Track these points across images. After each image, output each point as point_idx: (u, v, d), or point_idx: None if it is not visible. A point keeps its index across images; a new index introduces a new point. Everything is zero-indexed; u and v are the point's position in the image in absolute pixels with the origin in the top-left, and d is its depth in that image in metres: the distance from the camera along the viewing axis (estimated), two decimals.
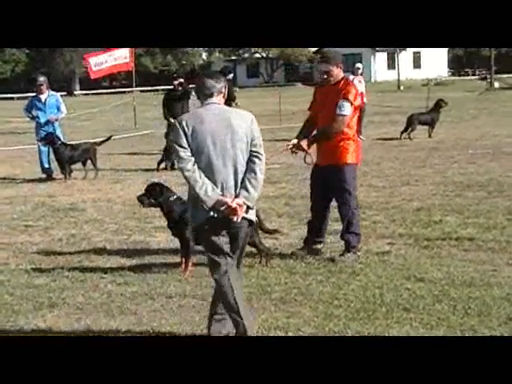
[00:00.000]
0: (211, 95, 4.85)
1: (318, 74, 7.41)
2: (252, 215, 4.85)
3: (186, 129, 4.74)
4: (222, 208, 4.68)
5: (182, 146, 4.74)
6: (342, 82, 7.09)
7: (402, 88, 47.15)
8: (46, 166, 13.38)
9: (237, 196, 4.72)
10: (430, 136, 18.08)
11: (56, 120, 13.44)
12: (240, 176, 4.76)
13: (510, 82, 43.64)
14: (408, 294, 5.93)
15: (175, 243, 7.26)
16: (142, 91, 48.63)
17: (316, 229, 7.34)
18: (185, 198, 7.15)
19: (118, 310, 5.82)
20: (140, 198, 7.00)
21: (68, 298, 6.13)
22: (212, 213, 4.70)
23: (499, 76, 49.11)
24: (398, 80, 50.68)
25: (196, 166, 4.71)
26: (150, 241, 8.10)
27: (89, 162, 13.26)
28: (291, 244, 7.62)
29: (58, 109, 13.48)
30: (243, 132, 4.77)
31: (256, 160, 4.80)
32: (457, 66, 72.43)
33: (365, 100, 18.79)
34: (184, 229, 6.79)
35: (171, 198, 6.86)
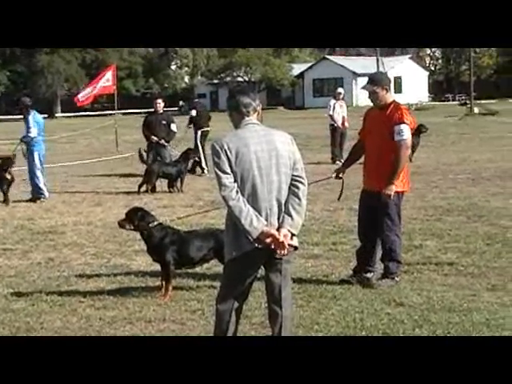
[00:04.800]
0: (248, 113, 4.62)
1: (368, 97, 7.19)
2: (296, 242, 4.63)
3: (228, 153, 4.44)
4: (268, 240, 4.46)
5: (225, 172, 4.43)
6: (392, 106, 6.87)
7: None
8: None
9: (280, 223, 4.51)
10: (410, 160, 18.09)
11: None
12: (283, 201, 4.53)
13: (489, 108, 44.10)
14: (388, 319, 5.92)
15: (155, 267, 7.22)
16: (123, 114, 48.60)
17: (364, 257, 7.12)
18: (165, 222, 7.19)
19: (97, 334, 5.76)
20: (121, 223, 6.97)
21: (46, 323, 6.06)
22: (256, 244, 4.46)
23: (478, 101, 49.62)
24: None
25: (240, 194, 4.44)
26: (130, 264, 8.05)
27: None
28: None
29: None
30: (287, 155, 4.56)
31: (299, 185, 4.58)
32: (437, 91, 73.17)
33: (346, 124, 18.95)
34: (165, 253, 6.76)
35: (151, 224, 6.82)
